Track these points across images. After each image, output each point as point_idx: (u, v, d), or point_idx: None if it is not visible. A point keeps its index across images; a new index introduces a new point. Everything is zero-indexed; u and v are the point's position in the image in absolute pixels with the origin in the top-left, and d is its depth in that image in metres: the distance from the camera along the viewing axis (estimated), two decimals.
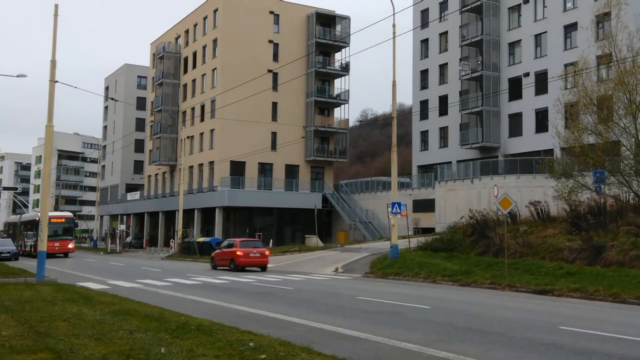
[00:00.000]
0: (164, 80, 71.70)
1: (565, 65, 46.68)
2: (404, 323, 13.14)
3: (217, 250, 35.08)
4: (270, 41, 63.86)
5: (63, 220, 50.28)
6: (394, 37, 31.20)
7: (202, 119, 65.36)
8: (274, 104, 63.47)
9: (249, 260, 31.92)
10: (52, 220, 44.28)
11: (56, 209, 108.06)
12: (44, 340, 9.67)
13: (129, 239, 74.23)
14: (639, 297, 18.13)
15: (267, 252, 33.17)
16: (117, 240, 65.77)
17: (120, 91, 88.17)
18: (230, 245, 33.72)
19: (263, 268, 32.19)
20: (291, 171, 64.19)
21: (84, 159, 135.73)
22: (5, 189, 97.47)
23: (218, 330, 10.67)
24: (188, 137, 65.64)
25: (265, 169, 63.28)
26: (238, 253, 31.90)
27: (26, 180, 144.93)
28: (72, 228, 50.87)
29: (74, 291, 17.77)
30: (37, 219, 42.77)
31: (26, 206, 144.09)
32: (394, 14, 31.19)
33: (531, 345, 10.76)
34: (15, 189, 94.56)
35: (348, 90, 66.95)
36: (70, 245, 49.42)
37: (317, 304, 16.68)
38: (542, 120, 48.54)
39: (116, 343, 9.53)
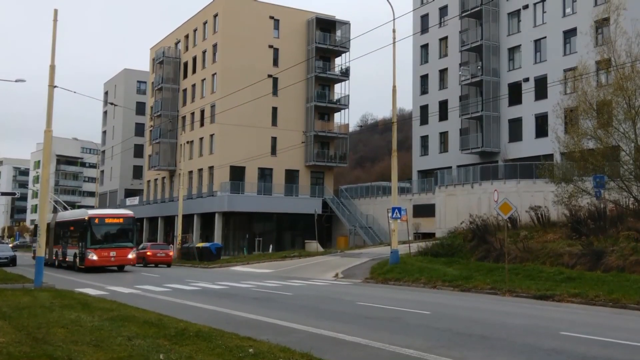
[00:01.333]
0: (164, 85, 71.72)
1: (565, 71, 46.70)
2: (404, 329, 13.08)
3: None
4: (270, 46, 63.92)
5: (121, 220, 35.96)
6: (394, 43, 31.21)
7: (201, 124, 65.36)
8: (274, 109, 63.49)
9: (156, 259, 43.48)
10: (107, 220, 35.48)
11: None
12: (42, 347, 9.62)
13: None
14: (639, 302, 18.08)
15: (170, 253, 45.02)
16: None
17: (119, 96, 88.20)
18: (144, 247, 45.16)
19: (168, 265, 43.59)
20: (291, 176, 64.15)
21: (83, 164, 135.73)
22: (3, 194, 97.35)
23: (217, 337, 10.61)
24: (188, 142, 65.63)
25: (265, 174, 63.23)
26: (148, 253, 43.33)
27: (24, 185, 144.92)
28: (133, 231, 36.47)
29: (72, 297, 17.70)
30: (85, 218, 34.77)
31: (24, 211, 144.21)
32: (394, 19, 31.20)
33: (532, 350, 10.71)
34: (14, 194, 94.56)
35: (348, 95, 67.06)
36: (130, 255, 35.42)
37: (317, 309, 16.61)
38: (542, 125, 48.55)
39: (115, 350, 9.47)
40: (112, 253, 34.30)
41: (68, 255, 37.44)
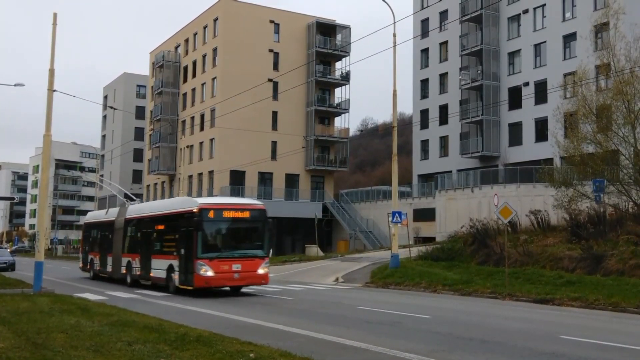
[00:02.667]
0: (164, 89, 71.76)
1: (565, 75, 46.75)
2: (405, 333, 13.07)
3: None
4: (271, 50, 63.99)
5: (246, 214, 23.04)
6: (394, 47, 31.24)
7: (201, 128, 65.39)
8: (274, 113, 63.52)
9: None
10: (228, 213, 22.55)
11: (53, 219, 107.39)
12: (42, 352, 9.59)
13: None
14: (639, 306, 18.08)
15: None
16: None
17: (119, 100, 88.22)
18: None
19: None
20: (291, 180, 64.15)
21: (82, 169, 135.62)
22: (2, 198, 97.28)
23: (218, 341, 10.60)
24: (187, 147, 65.64)
25: (265, 179, 63.23)
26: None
27: (23, 190, 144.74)
28: (264, 231, 23.13)
29: (71, 302, 17.67)
30: (195, 210, 21.89)
31: (23, 216, 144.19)
32: (394, 23, 31.25)
33: (532, 354, 10.70)
34: (13, 198, 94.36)
35: (348, 100, 67.06)
36: (261, 270, 22.63)
37: (318, 314, 16.60)
38: (541, 130, 48.59)
39: (115, 355, 9.46)
40: (236, 266, 21.82)
41: (155, 268, 24.51)
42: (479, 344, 11.76)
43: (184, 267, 22.19)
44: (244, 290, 24.12)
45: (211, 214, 21.92)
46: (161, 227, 25.36)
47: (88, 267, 33.72)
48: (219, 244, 22.38)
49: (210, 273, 21.25)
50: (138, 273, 26.40)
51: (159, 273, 24.16)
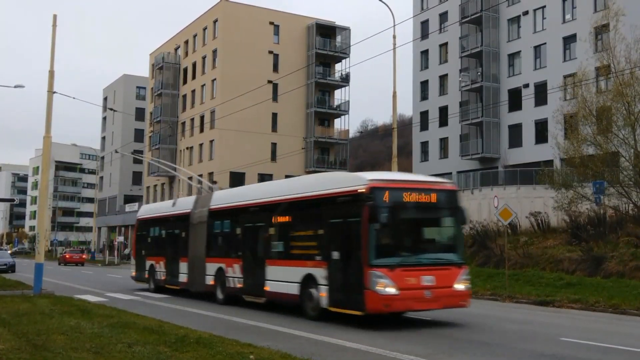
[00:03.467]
0: (163, 91, 71.78)
1: (565, 77, 46.73)
2: (405, 335, 13.06)
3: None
4: (270, 52, 64.02)
5: (435, 197, 14.98)
6: (394, 49, 31.24)
7: (201, 130, 65.40)
8: (274, 115, 63.55)
9: (73, 260, 58.49)
10: (409, 196, 14.62)
11: (53, 221, 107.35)
12: (42, 354, 9.59)
13: (127, 251, 73.95)
14: (639, 308, 18.07)
15: (84, 256, 60.73)
16: (115, 252, 65.56)
17: (119, 102, 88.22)
18: (63, 251, 56.30)
19: (82, 264, 57.46)
20: None
21: (82, 170, 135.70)
22: (2, 200, 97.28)
23: (218, 343, 10.59)
24: (187, 148, 65.66)
25: (265, 180, 63.07)
26: (66, 255, 59.79)
27: (23, 191, 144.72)
28: (459, 225, 15.56)
29: (71, 304, 17.65)
30: (363, 189, 14.18)
31: (23, 218, 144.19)
32: (394, 26, 31.23)
33: (533, 356, 10.71)
34: (12, 200, 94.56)
35: (348, 101, 67.11)
36: (460, 286, 14.87)
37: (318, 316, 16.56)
38: (541, 131, 48.55)
39: (115, 356, 9.45)
40: (427, 279, 14.40)
41: (277, 279, 17.33)
42: (479, 345, 11.75)
43: (340, 280, 14.66)
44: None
45: (387, 197, 14.12)
46: (286, 218, 17.56)
47: (147, 275, 25.43)
48: (400, 245, 14.75)
49: (392, 290, 13.61)
50: (239, 286, 18.95)
51: (284, 287, 16.67)
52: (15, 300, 18.25)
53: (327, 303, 14.92)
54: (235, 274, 19.19)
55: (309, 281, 15.57)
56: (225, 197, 21.84)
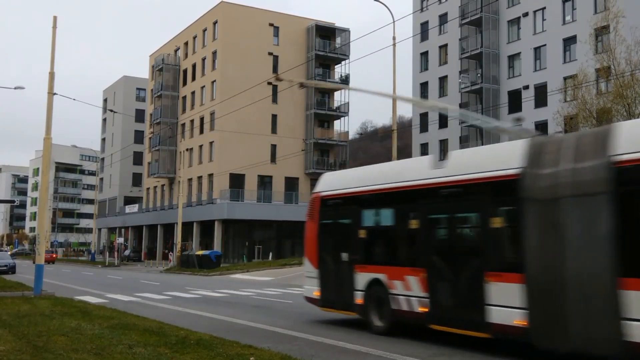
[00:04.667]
0: (163, 93, 71.80)
1: (565, 78, 46.78)
2: (405, 336, 13.03)
3: None
4: (270, 53, 64.04)
5: None
6: (394, 50, 31.26)
7: (201, 131, 65.40)
8: (274, 117, 63.58)
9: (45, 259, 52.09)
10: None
11: (53, 222, 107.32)
12: (43, 355, 9.57)
13: (127, 252, 74.01)
14: None
15: (54, 255, 63.56)
16: (115, 253, 65.56)
17: (118, 103, 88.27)
18: None
19: (53, 262, 59.43)
20: (291, 184, 64.14)
21: (82, 172, 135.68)
22: (2, 201, 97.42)
23: (218, 345, 10.57)
24: (187, 150, 65.63)
25: (264, 182, 63.23)
26: None
27: (23, 192, 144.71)
28: None
29: (72, 305, 17.62)
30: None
31: (23, 219, 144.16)
32: (394, 27, 31.26)
33: (535, 355, 10.66)
34: (13, 201, 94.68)
35: (348, 103, 67.20)
36: None
37: (318, 317, 16.55)
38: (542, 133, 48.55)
39: (115, 358, 9.43)
40: None
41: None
42: (479, 346, 11.72)
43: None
44: (243, 293, 24.03)
45: None
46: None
47: (358, 301, 13.76)
48: None
49: None
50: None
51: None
52: (15, 302, 18.23)
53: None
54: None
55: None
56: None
